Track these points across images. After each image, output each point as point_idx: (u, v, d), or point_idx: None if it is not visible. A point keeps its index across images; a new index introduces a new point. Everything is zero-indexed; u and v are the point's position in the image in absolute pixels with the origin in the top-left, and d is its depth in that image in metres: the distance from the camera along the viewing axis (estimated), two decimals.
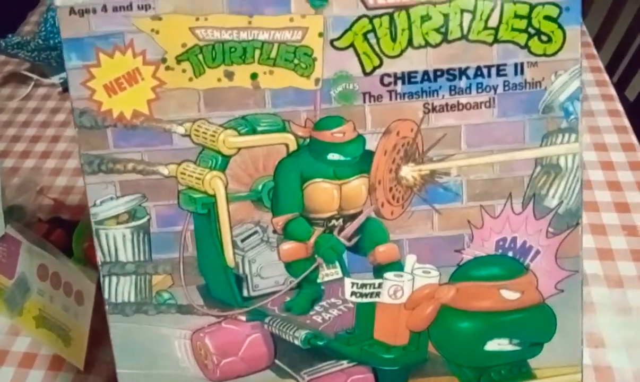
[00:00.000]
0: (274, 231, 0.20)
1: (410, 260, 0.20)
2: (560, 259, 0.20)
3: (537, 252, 0.20)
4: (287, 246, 0.20)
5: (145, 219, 0.19)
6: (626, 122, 0.58)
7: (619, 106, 0.58)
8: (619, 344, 0.45)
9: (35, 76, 0.67)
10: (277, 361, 0.21)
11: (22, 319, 0.39)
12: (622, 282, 0.48)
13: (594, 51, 0.66)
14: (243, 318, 0.20)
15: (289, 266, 0.20)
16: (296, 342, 0.21)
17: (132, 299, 0.20)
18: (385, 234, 0.20)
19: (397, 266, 0.20)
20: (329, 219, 0.20)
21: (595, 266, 0.50)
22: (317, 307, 0.20)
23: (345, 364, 0.21)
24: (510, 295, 0.21)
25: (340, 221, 0.20)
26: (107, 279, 0.20)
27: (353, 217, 0.20)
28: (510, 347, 0.21)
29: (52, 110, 0.69)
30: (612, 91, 0.61)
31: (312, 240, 0.20)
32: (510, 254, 0.20)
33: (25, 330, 0.40)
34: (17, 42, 0.64)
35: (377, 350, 0.21)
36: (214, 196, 0.19)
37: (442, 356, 0.21)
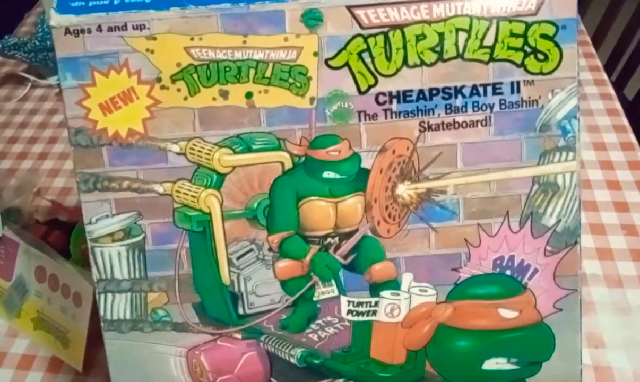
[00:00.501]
0: (270, 249, 0.20)
1: (406, 278, 0.21)
2: (559, 277, 0.21)
3: (535, 270, 0.21)
4: (283, 263, 0.20)
5: (140, 237, 0.20)
6: (625, 121, 0.58)
7: (617, 105, 0.59)
8: (619, 343, 0.46)
9: (32, 77, 0.68)
10: (272, 380, 0.21)
11: (20, 321, 0.40)
12: (621, 282, 0.49)
13: (592, 50, 0.68)
14: (239, 336, 0.21)
15: (284, 284, 0.21)
16: (292, 360, 0.21)
17: (128, 316, 0.20)
18: (381, 252, 0.20)
19: (393, 284, 0.21)
20: (325, 237, 0.21)
21: (595, 266, 0.50)
22: (313, 326, 0.21)
23: None
24: (508, 314, 0.21)
25: (336, 239, 0.20)
26: (102, 296, 0.20)
27: (349, 235, 0.21)
28: (508, 367, 0.21)
29: (49, 111, 0.70)
30: (611, 90, 0.62)
31: (308, 258, 0.21)
32: (508, 272, 0.21)
33: (23, 332, 0.41)
34: (14, 43, 0.65)
35: (373, 369, 0.21)
36: (209, 213, 0.20)
37: (440, 375, 0.21)
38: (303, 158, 0.20)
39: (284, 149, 0.20)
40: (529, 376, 0.21)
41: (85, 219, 0.20)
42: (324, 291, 0.21)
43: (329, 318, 0.21)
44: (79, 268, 0.41)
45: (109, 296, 0.20)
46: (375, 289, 0.21)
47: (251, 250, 0.20)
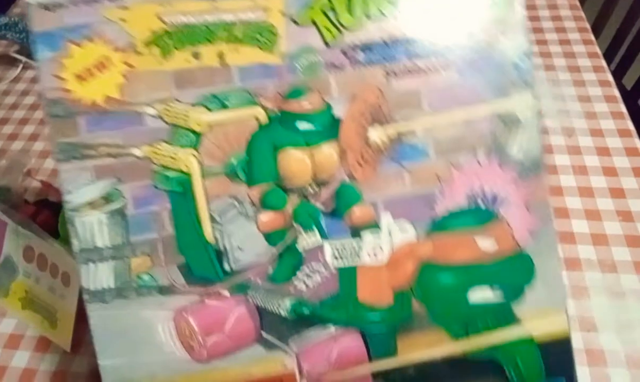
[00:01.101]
0: (251, 203, 0.22)
1: (385, 219, 0.22)
2: (530, 206, 0.23)
3: (507, 200, 0.23)
4: (265, 216, 0.22)
5: (120, 202, 0.21)
6: (623, 108, 0.65)
7: (616, 92, 0.65)
8: (612, 327, 0.49)
9: (24, 58, 0.70)
10: (263, 334, 0.22)
11: (8, 300, 0.41)
12: (615, 267, 0.52)
13: (592, 37, 0.72)
14: (226, 293, 0.22)
15: (268, 237, 0.22)
16: (282, 312, 0.22)
17: (112, 285, 0.21)
18: (359, 196, 0.22)
19: (373, 226, 0.22)
20: (304, 187, 0.22)
21: (589, 251, 0.53)
22: (299, 275, 0.22)
23: (332, 329, 0.22)
24: (487, 245, 0.23)
25: (315, 187, 0.22)
26: (84, 267, 0.21)
27: (327, 183, 0.22)
28: (493, 297, 0.23)
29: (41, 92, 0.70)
30: (610, 77, 0.70)
31: (289, 208, 0.22)
32: (481, 204, 0.22)
33: (11, 311, 0.41)
34: (5, 23, 0.68)
35: (362, 312, 0.23)
36: (189, 173, 0.21)
37: (428, 311, 0.22)
38: (277, 112, 0.22)
39: (258, 104, 0.21)
40: (514, 303, 0.23)
41: (64, 189, 0.21)
42: (307, 239, 0.22)
43: (314, 265, 0.22)
44: (68, 248, 0.41)
45: (91, 265, 0.21)
46: (356, 232, 0.22)
47: (233, 206, 0.21)
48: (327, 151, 0.25)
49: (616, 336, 0.45)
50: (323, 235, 0.25)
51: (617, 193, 0.56)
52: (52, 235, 0.41)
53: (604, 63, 0.68)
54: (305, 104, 0.25)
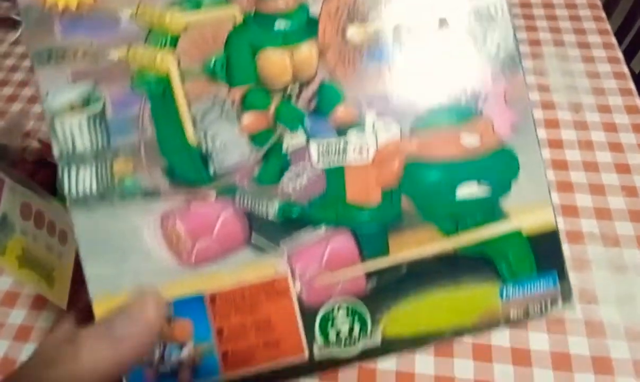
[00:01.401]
0: (233, 104, 0.22)
1: (370, 115, 0.23)
2: (509, 101, 0.24)
3: (486, 97, 0.24)
4: (248, 117, 0.22)
5: (99, 105, 0.21)
6: (632, 85, 0.67)
7: (625, 69, 0.68)
8: (612, 300, 0.51)
9: None
10: (253, 238, 0.22)
11: (5, 258, 0.40)
12: (618, 241, 0.53)
13: (603, 14, 0.74)
14: (212, 196, 0.22)
15: (252, 139, 0.22)
16: (270, 215, 0.22)
17: (94, 190, 0.21)
18: (341, 94, 0.23)
19: (358, 125, 0.23)
20: (285, 88, 0.22)
21: (592, 225, 0.55)
22: (286, 176, 0.22)
23: (323, 230, 0.23)
24: (470, 140, 0.23)
25: (297, 87, 0.22)
26: (65, 172, 0.21)
27: (308, 83, 0.22)
28: (480, 192, 0.23)
29: None
30: (619, 54, 0.71)
31: (272, 108, 0.22)
32: (462, 100, 0.23)
33: (8, 270, 0.41)
34: None
35: (352, 212, 0.23)
36: (167, 74, 0.21)
37: (416, 208, 0.23)
38: (252, 12, 0.22)
39: (233, 3, 0.22)
40: (502, 198, 0.23)
41: (41, 94, 0.21)
42: (292, 140, 0.22)
43: (301, 166, 0.22)
44: (65, 205, 0.41)
45: (73, 170, 0.21)
46: (341, 131, 0.23)
47: (214, 107, 0.21)
48: (307, 50, 0.25)
49: (616, 308, 0.46)
50: (308, 135, 0.26)
51: (623, 169, 0.57)
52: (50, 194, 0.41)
53: (614, 40, 0.70)
54: (280, 3, 0.25)
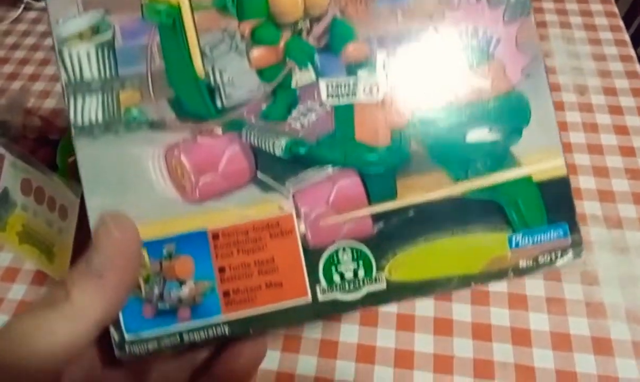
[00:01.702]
0: (242, 38, 0.22)
1: (380, 56, 0.23)
2: (521, 45, 0.24)
3: (498, 40, 0.24)
4: (257, 51, 0.23)
5: (109, 34, 0.22)
6: (638, 67, 0.67)
7: (632, 52, 0.68)
8: (614, 281, 0.51)
9: None
10: (259, 175, 0.22)
11: (6, 234, 0.41)
12: (621, 223, 0.54)
13: None
14: (219, 131, 0.22)
15: (261, 73, 0.23)
16: (277, 152, 0.23)
17: (100, 119, 0.22)
18: (352, 32, 0.23)
19: (369, 64, 0.23)
20: (296, 22, 0.23)
21: (595, 207, 0.56)
22: (294, 113, 0.23)
23: (330, 170, 0.23)
24: (481, 84, 0.23)
25: (307, 23, 0.23)
26: (72, 100, 0.22)
27: (319, 19, 0.23)
28: (490, 136, 0.23)
29: (42, 34, 0.76)
30: (626, 37, 0.72)
31: (282, 43, 0.23)
32: (474, 43, 0.23)
33: (8, 245, 0.42)
34: None
35: (360, 152, 0.23)
36: (178, 5, 0.22)
37: (426, 150, 0.23)
38: None
39: None
40: (512, 144, 0.24)
41: (52, 21, 0.21)
42: (302, 76, 0.23)
43: (309, 104, 0.23)
44: (65, 180, 0.42)
45: (79, 99, 0.21)
46: (351, 69, 0.23)
47: (224, 40, 0.22)
48: None
49: (618, 290, 0.47)
50: (317, 72, 0.26)
51: (627, 151, 0.58)
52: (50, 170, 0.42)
53: (621, 23, 0.71)
54: None
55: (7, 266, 0.48)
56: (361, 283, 0.27)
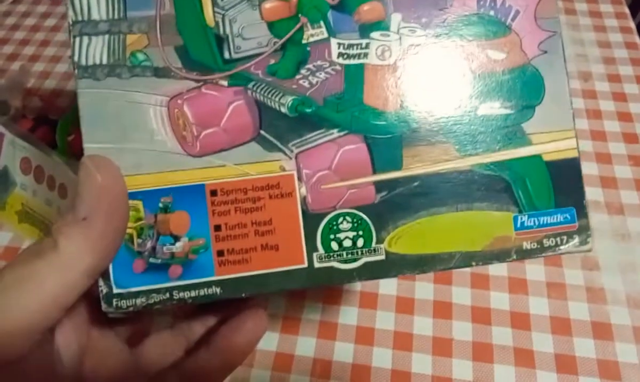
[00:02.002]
0: None
1: (395, 19, 0.23)
2: (539, 19, 0.24)
3: (517, 12, 0.24)
4: (270, 4, 0.23)
5: None
6: None
7: (637, 39, 0.67)
8: (615, 268, 0.52)
9: None
10: (262, 132, 0.22)
11: (5, 213, 0.42)
12: (622, 210, 0.55)
13: None
14: (225, 83, 0.22)
15: (271, 26, 0.23)
16: (282, 109, 0.23)
17: (105, 61, 0.22)
18: None
19: (383, 25, 0.23)
20: None
21: (597, 193, 0.56)
22: (303, 71, 0.23)
23: (335, 133, 0.23)
24: (496, 55, 0.23)
25: None
26: (77, 40, 0.22)
27: None
28: (501, 111, 0.23)
29: (42, 14, 0.77)
30: (632, 24, 0.73)
31: None
32: (492, 13, 0.23)
33: (7, 225, 0.43)
34: None
35: (368, 116, 0.23)
36: None
37: (436, 120, 0.23)
38: None
39: None
40: (524, 120, 0.24)
41: None
42: (313, 33, 0.23)
43: (319, 62, 0.23)
44: (65, 159, 0.43)
45: (85, 39, 0.22)
46: (364, 30, 0.23)
47: None
48: None
49: (618, 276, 0.48)
50: (330, 30, 0.26)
51: (631, 138, 0.59)
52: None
53: (627, 10, 0.72)
54: None
55: (7, 245, 0.49)
56: (359, 253, 0.27)
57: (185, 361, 0.30)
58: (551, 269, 0.47)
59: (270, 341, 0.44)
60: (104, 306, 0.25)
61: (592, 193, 0.55)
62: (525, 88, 0.27)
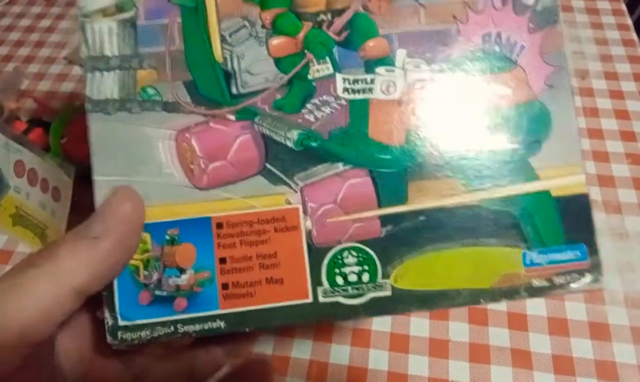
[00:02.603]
0: (263, 26, 0.25)
1: (400, 54, 0.25)
2: (545, 54, 0.26)
3: (522, 47, 0.26)
4: (277, 40, 0.25)
5: (132, 12, 0.24)
6: None
7: (634, 36, 0.69)
8: (613, 267, 0.54)
9: None
10: (268, 165, 0.24)
11: None
12: (620, 209, 0.56)
13: None
14: (232, 117, 0.25)
15: (278, 62, 0.25)
16: (288, 143, 0.25)
17: (116, 96, 0.24)
18: (374, 28, 0.25)
19: (387, 61, 0.25)
20: (317, 13, 0.25)
21: (595, 192, 0.58)
22: (309, 106, 0.25)
23: (340, 167, 0.25)
24: (502, 90, 0.25)
25: (329, 15, 0.25)
26: (90, 75, 0.24)
27: (341, 12, 0.25)
28: (509, 146, 0.25)
29: (37, 15, 0.81)
30: (629, 21, 0.74)
31: (302, 35, 0.25)
32: (497, 48, 0.25)
33: (1, 228, 0.45)
34: None
35: (373, 150, 0.25)
36: None
37: (441, 155, 0.25)
38: None
39: None
40: (531, 156, 0.25)
41: (78, 1, 0.24)
42: (319, 68, 0.25)
43: (324, 97, 0.25)
44: (59, 161, 0.46)
45: (97, 74, 0.24)
46: (370, 66, 0.25)
47: (244, 26, 0.25)
48: None
49: (617, 276, 0.50)
50: (335, 66, 0.28)
51: (628, 136, 0.61)
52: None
53: (624, 7, 0.75)
54: None
55: (1, 249, 0.51)
56: (365, 288, 0.28)
57: None
58: None
59: (266, 344, 0.46)
60: (109, 339, 0.27)
61: (590, 192, 0.58)
62: (533, 123, 0.29)
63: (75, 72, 0.73)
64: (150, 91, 0.27)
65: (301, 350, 0.44)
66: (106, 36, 0.27)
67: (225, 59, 0.28)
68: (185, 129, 0.27)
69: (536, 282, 0.29)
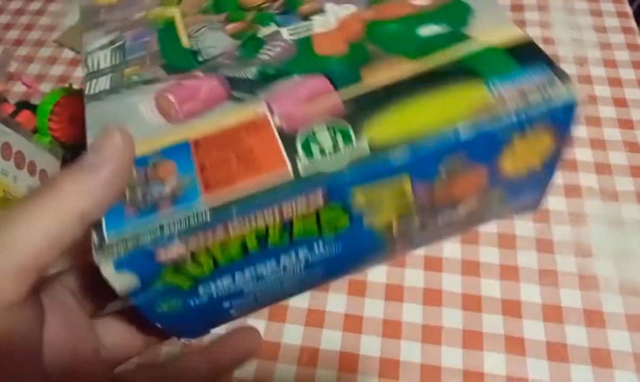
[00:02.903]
0: (219, 21, 0.35)
1: (329, 6, 0.34)
2: None
3: None
4: (231, 25, 0.34)
5: (122, 42, 0.35)
6: (639, 40, 0.70)
7: (633, 24, 0.74)
8: (608, 255, 0.55)
9: None
10: (234, 93, 0.31)
11: None
12: (617, 196, 0.57)
13: None
14: (200, 74, 0.32)
15: (233, 36, 0.34)
16: (250, 76, 0.32)
17: (108, 87, 0.32)
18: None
19: (320, 12, 0.34)
20: (260, 5, 0.35)
21: (591, 179, 0.59)
22: (262, 51, 0.32)
23: (297, 77, 0.31)
24: (421, 1, 0.33)
25: (268, 4, 0.35)
26: (88, 83, 0.33)
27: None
28: (441, 29, 0.31)
29: None
30: (628, 9, 0.80)
31: (250, 18, 0.34)
32: None
33: None
34: None
35: (322, 60, 0.32)
36: (173, 17, 0.35)
37: (383, 50, 0.31)
38: None
39: None
40: (462, 27, 0.31)
41: (84, 42, 0.35)
42: (266, 31, 0.34)
43: (274, 43, 0.33)
44: (47, 144, 0.48)
45: (94, 80, 0.33)
46: (306, 18, 0.34)
47: (204, 26, 0.34)
48: None
49: (611, 263, 0.50)
50: (279, 25, 0.34)
51: (626, 124, 0.60)
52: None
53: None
54: None
55: None
56: (343, 152, 0.28)
57: (168, 364, 0.31)
58: (544, 256, 0.48)
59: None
60: (95, 256, 0.26)
61: (586, 179, 0.57)
62: (455, 15, 0.34)
63: (66, 55, 0.72)
64: (135, 77, 0.34)
65: (292, 336, 0.44)
66: (102, 59, 0.35)
67: (191, 44, 0.35)
68: (162, 89, 0.33)
69: (511, 102, 0.28)
